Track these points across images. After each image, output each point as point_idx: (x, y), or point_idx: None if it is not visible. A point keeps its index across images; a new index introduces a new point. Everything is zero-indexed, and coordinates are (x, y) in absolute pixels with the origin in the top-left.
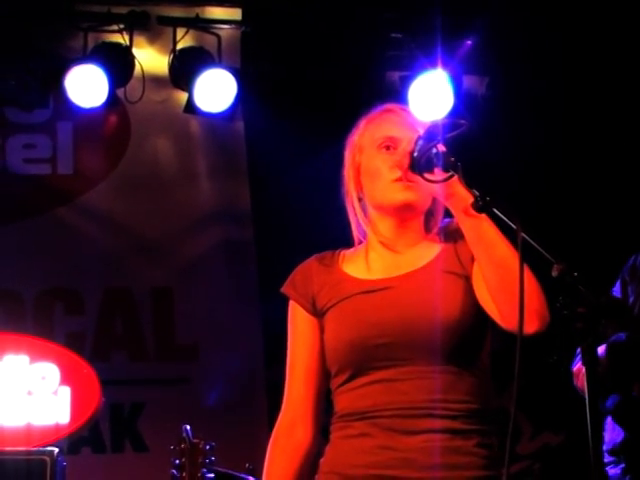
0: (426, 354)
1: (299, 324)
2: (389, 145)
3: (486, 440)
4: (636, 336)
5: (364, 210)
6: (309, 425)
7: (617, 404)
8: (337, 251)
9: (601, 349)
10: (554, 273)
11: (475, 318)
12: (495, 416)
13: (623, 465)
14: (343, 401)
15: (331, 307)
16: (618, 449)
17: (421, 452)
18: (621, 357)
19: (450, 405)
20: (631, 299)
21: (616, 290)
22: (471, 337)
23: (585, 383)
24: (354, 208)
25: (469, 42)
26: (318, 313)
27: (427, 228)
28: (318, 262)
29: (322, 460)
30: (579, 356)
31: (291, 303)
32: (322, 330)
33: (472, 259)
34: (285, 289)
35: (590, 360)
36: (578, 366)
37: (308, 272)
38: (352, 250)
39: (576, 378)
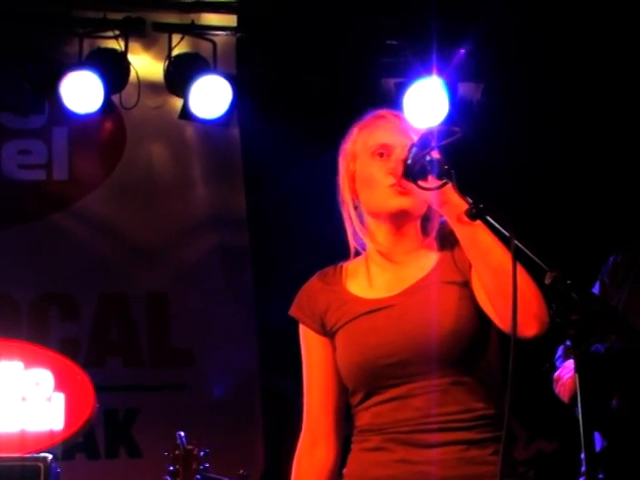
0: (435, 368)
1: (311, 345)
2: (382, 152)
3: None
4: (614, 348)
5: (360, 218)
6: (331, 442)
7: (596, 415)
8: (338, 265)
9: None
10: (547, 280)
11: (479, 325)
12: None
13: (601, 475)
14: (361, 419)
15: (339, 329)
16: (597, 459)
17: (437, 465)
18: (600, 369)
19: (464, 416)
20: (612, 301)
21: (595, 291)
22: (475, 344)
23: (574, 389)
24: (350, 216)
25: (463, 50)
26: (328, 334)
27: (424, 233)
28: (321, 281)
29: (344, 470)
30: (558, 361)
31: (301, 326)
32: (334, 349)
33: (469, 264)
34: (293, 312)
35: (582, 367)
36: (558, 372)
37: (312, 292)
38: (353, 263)
39: (555, 384)
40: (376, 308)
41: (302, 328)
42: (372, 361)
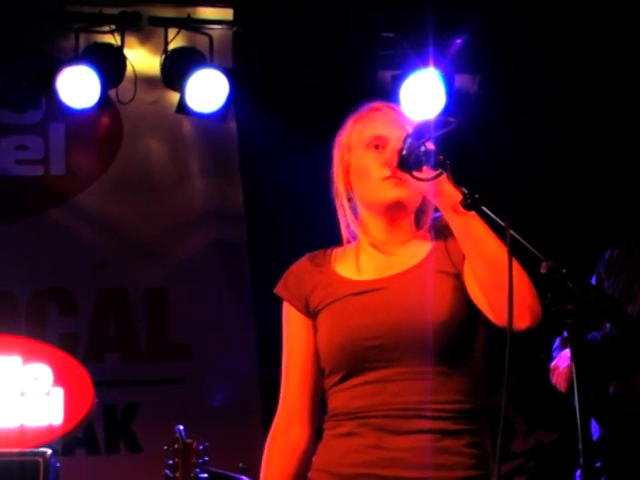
0: (417, 355)
1: (293, 325)
2: (377, 144)
3: (477, 440)
4: (610, 335)
5: (354, 210)
6: (305, 424)
7: (593, 403)
8: (329, 250)
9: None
10: (543, 270)
11: (466, 317)
12: (488, 415)
13: (599, 464)
14: (335, 401)
15: (323, 308)
16: (594, 447)
17: (411, 452)
18: (597, 356)
19: (441, 406)
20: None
21: None
22: (462, 337)
23: (571, 378)
24: (344, 208)
25: (459, 41)
26: (311, 314)
27: (418, 225)
28: (310, 262)
29: (314, 458)
30: (556, 351)
31: (285, 304)
32: (316, 330)
33: (463, 256)
34: (278, 290)
35: (579, 356)
36: (554, 362)
37: (301, 273)
38: (343, 249)
39: (552, 374)
40: (364, 290)
41: (286, 306)
42: (355, 342)
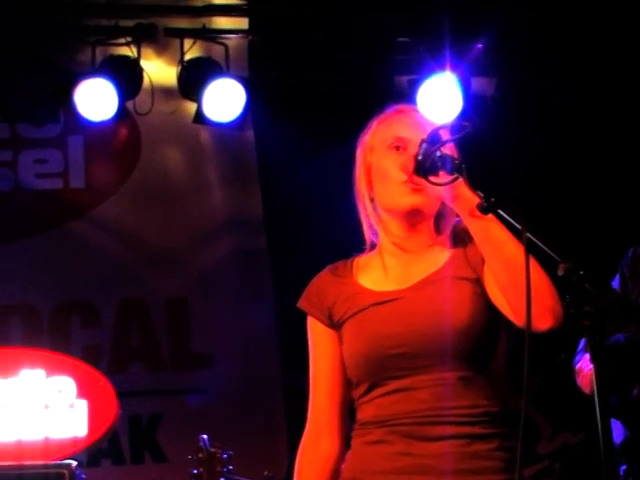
0: (440, 361)
1: (318, 337)
2: (399, 146)
3: (506, 443)
4: (634, 338)
5: (376, 211)
6: (335, 435)
7: (617, 405)
8: (350, 260)
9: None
10: (560, 272)
11: (487, 321)
12: (514, 418)
13: (625, 466)
14: (364, 411)
15: (347, 319)
16: (619, 450)
17: (440, 458)
18: (620, 359)
19: (468, 410)
20: (633, 293)
21: (615, 284)
22: (484, 341)
23: (593, 381)
24: (365, 208)
25: (479, 45)
26: (335, 325)
27: (438, 230)
28: (331, 273)
29: (343, 466)
30: (580, 354)
31: (309, 317)
32: (341, 341)
33: (482, 261)
34: (301, 304)
35: (598, 358)
36: (579, 365)
37: (322, 285)
38: (365, 257)
39: (577, 376)
40: (385, 300)
41: (310, 320)
42: (379, 351)
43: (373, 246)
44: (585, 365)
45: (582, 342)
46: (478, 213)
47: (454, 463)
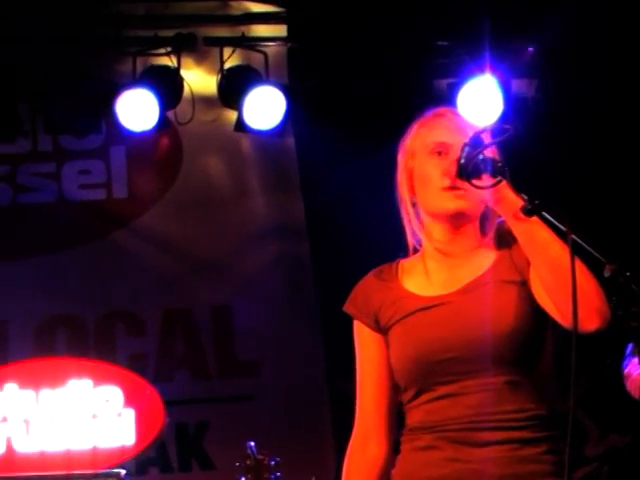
0: (488, 366)
1: (365, 341)
2: (440, 151)
3: (554, 446)
4: None
5: (418, 216)
6: (382, 440)
7: None
8: (395, 263)
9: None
10: (606, 273)
11: (533, 324)
12: (561, 421)
13: None
14: (412, 417)
15: (394, 324)
16: None
17: (489, 463)
18: None
19: (516, 415)
20: None
21: None
22: (531, 344)
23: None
24: (408, 214)
25: (531, 49)
26: (382, 330)
27: (482, 232)
28: (376, 277)
29: (393, 471)
30: (628, 357)
31: (355, 322)
32: (387, 346)
33: (528, 262)
34: (347, 308)
35: None
36: (628, 369)
37: (367, 289)
38: (409, 260)
39: (626, 380)
40: (431, 305)
41: (356, 324)
42: (426, 356)
43: (416, 251)
44: (634, 369)
45: (630, 346)
46: (522, 216)
47: (503, 468)
